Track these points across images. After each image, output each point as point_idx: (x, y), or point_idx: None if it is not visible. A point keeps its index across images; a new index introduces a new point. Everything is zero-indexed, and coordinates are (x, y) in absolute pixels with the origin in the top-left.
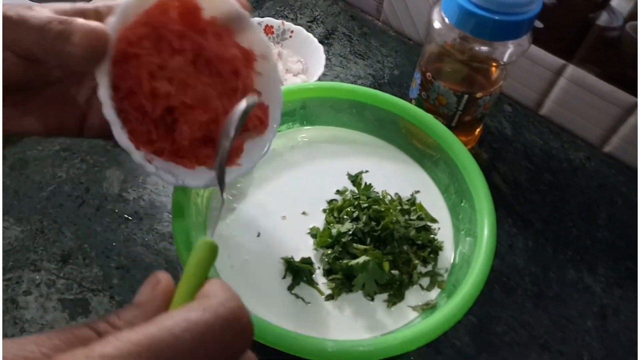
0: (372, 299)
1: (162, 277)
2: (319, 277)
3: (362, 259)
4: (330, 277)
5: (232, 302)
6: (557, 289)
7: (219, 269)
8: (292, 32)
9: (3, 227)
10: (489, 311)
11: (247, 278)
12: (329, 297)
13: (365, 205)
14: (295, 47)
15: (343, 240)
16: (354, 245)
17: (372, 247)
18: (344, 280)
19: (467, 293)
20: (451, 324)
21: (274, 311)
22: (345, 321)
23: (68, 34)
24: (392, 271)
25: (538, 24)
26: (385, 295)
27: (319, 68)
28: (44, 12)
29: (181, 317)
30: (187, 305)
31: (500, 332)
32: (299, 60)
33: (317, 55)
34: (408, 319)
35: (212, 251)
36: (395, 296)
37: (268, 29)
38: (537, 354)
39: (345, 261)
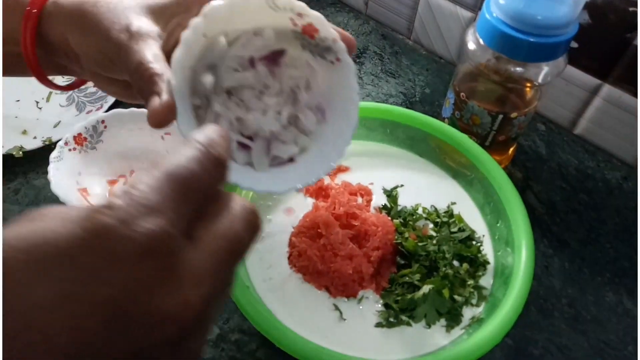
0: (430, 327)
1: None
2: (369, 303)
3: (425, 289)
4: (387, 311)
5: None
6: (595, 312)
7: (255, 282)
8: None
9: None
10: (525, 333)
11: (284, 292)
12: (379, 325)
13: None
14: None
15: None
16: (409, 276)
17: (419, 267)
18: (399, 312)
19: (505, 317)
20: (488, 348)
21: (310, 327)
22: (383, 340)
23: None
24: (454, 296)
25: (573, 44)
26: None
27: None
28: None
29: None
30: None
31: (537, 355)
32: None
33: None
34: (451, 337)
35: None
36: (454, 320)
37: None
38: None
39: (408, 296)
